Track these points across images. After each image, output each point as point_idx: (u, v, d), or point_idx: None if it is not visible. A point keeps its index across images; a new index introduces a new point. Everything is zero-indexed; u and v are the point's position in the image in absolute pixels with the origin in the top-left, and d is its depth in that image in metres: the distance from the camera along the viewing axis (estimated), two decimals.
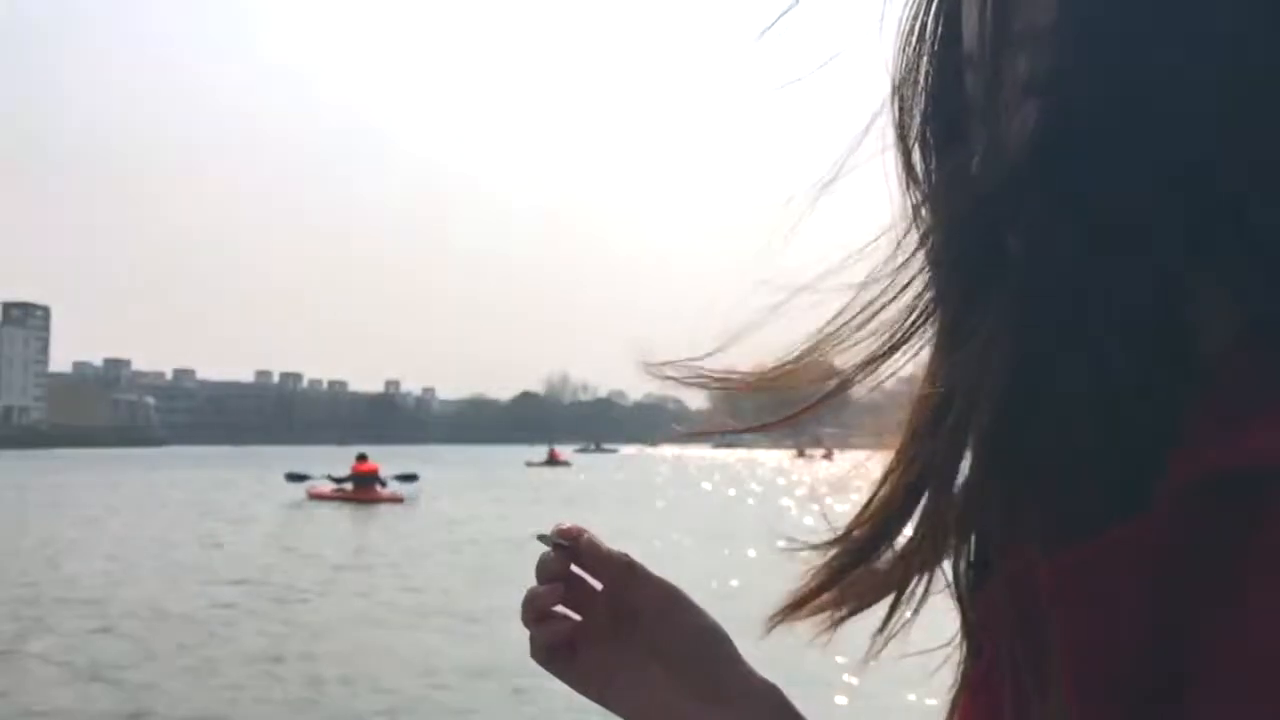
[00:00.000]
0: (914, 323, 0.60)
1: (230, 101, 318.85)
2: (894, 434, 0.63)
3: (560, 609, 0.73)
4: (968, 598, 0.62)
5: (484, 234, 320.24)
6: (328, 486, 37.81)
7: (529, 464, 79.05)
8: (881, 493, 0.63)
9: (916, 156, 0.60)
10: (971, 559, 0.61)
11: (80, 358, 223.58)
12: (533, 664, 0.71)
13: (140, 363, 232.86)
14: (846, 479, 0.69)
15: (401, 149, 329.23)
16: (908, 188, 0.61)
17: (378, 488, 37.29)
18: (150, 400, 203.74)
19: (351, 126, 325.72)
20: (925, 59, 0.60)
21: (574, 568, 0.73)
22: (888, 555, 0.64)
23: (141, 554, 22.81)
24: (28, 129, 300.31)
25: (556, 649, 0.72)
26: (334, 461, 43.03)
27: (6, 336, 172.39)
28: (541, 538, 0.73)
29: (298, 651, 13.20)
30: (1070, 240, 0.51)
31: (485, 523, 29.51)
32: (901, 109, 0.60)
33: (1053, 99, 0.52)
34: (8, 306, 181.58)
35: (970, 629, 0.63)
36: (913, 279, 0.60)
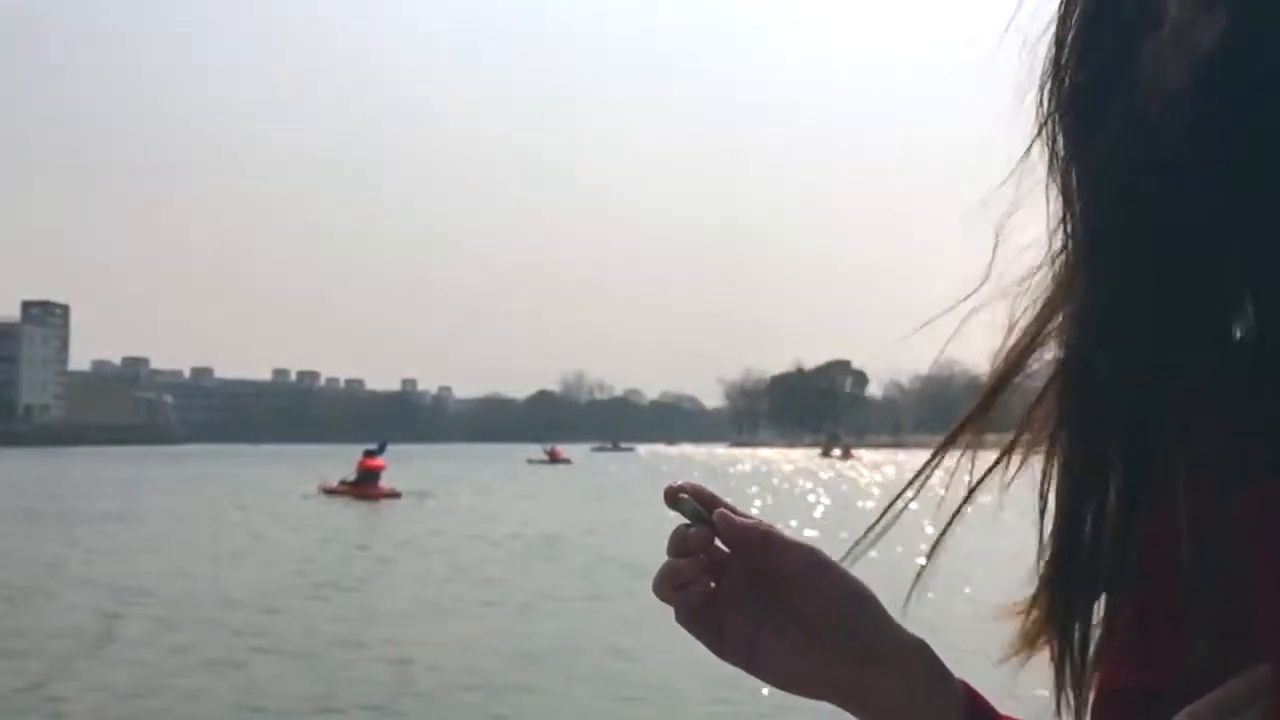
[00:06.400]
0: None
1: (251, 103, 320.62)
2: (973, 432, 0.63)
3: None
4: (1120, 541, 0.60)
5: (499, 234, 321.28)
6: (334, 481, 41.34)
7: (530, 461, 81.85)
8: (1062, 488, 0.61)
9: (1067, 92, 0.60)
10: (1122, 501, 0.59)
11: (99, 356, 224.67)
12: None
13: (159, 361, 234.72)
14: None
15: (419, 151, 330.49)
16: (1048, 125, 0.61)
17: (380, 484, 40.08)
18: (168, 399, 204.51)
19: (368, 129, 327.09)
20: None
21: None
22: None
23: (193, 546, 23.46)
24: (47, 129, 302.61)
25: (702, 612, 0.71)
26: (353, 460, 43.82)
27: (26, 335, 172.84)
28: (675, 504, 0.70)
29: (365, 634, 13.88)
30: (1222, 196, 0.49)
31: (481, 517, 31.23)
32: (1058, 45, 0.60)
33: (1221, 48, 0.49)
34: (27, 305, 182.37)
35: (1117, 574, 0.61)
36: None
